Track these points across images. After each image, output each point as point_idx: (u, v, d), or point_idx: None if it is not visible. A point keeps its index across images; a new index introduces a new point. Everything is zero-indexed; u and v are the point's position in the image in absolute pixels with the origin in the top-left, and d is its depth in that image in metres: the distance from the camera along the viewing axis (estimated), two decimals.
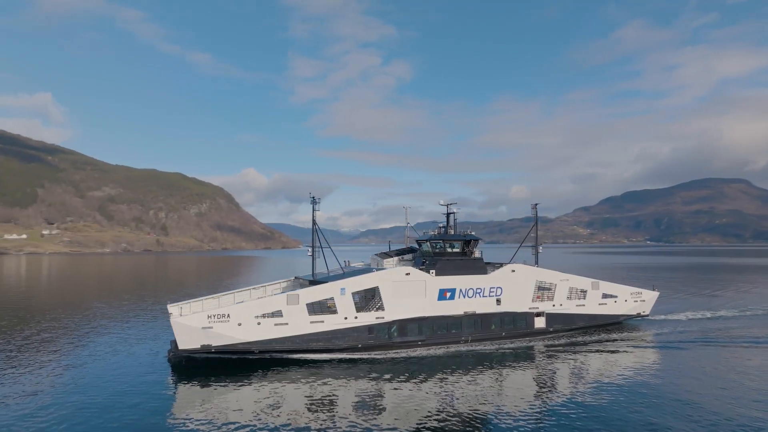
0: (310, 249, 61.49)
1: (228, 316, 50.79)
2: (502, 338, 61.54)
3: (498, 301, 61.75)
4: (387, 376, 46.22)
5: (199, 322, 50.21)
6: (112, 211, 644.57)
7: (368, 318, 55.06)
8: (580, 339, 63.56)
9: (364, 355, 53.47)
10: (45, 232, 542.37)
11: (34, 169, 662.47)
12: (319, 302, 53.56)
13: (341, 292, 54.20)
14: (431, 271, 58.59)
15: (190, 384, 44.78)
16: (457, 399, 40.28)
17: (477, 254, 63.82)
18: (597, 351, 57.59)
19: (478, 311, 60.43)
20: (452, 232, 64.90)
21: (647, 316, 74.76)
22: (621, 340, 63.65)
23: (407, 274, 57.53)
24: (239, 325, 50.88)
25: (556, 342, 61.90)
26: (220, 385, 43.86)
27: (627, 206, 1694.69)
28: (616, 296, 70.88)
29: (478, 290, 60.60)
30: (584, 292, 68.24)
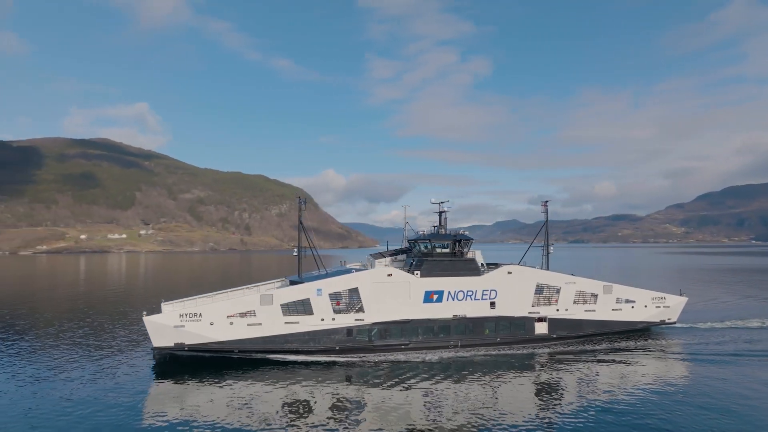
0: (296, 249, 60.55)
1: (200, 315, 50.85)
2: (497, 344, 57.19)
3: (492, 305, 57.54)
4: (365, 381, 44.40)
5: (171, 321, 50.61)
6: (201, 212, 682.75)
7: (347, 320, 53.16)
8: (588, 347, 57.93)
9: (344, 359, 51.43)
10: (142, 232, 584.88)
11: (132, 174, 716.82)
12: (295, 303, 52.32)
13: (317, 293, 52.66)
14: (416, 272, 55.94)
15: (167, 381, 45.35)
16: (438, 409, 37.46)
17: (472, 255, 60.40)
18: (607, 361, 52.29)
19: (469, 315, 56.61)
20: (446, 232, 61.69)
21: (674, 323, 67.63)
22: (637, 349, 57.58)
23: (389, 275, 54.89)
24: (211, 324, 50.73)
25: (560, 349, 56.85)
26: (196, 383, 44.00)
27: (728, 202, 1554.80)
28: (633, 301, 64.48)
29: (470, 293, 56.84)
30: (595, 296, 62.33)
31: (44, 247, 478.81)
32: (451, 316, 55.99)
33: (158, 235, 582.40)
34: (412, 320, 54.56)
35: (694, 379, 45.70)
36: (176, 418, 35.36)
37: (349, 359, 51.26)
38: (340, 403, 38.71)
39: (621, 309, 63.51)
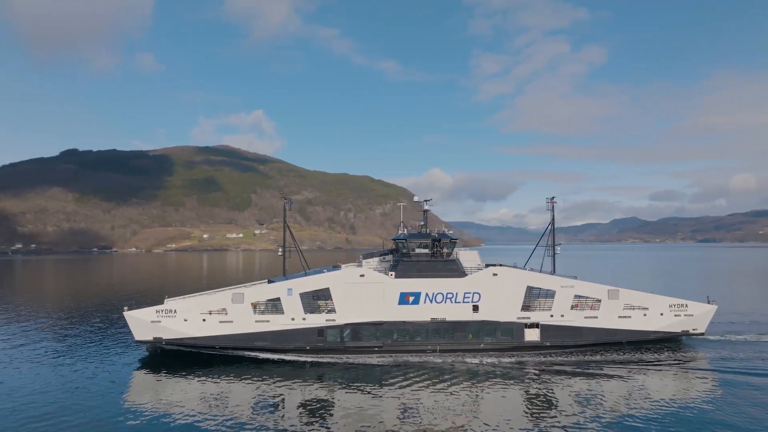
0: (280, 249, 60.50)
1: (175, 311, 52.65)
2: (481, 351, 53.00)
3: (475, 308, 53.74)
4: (334, 383, 43.45)
5: (148, 316, 52.72)
6: (309, 212, 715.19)
7: (318, 320, 52.62)
8: (593, 358, 51.51)
9: (315, 359, 50.75)
10: (256, 231, 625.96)
11: (249, 178, 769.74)
12: (266, 302, 52.72)
13: (288, 292, 52.66)
14: (390, 272, 53.93)
15: (150, 373, 47.15)
16: (407, 415, 35.38)
17: (456, 256, 57.08)
18: (612, 375, 45.61)
19: (449, 318, 53.28)
20: (430, 232, 58.06)
21: (701, 334, 58.32)
22: (651, 362, 50.14)
23: (362, 275, 53.56)
24: (185, 320, 52.47)
25: (556, 359, 51.07)
26: (174, 376, 45.60)
27: None
28: (646, 308, 56.84)
29: (450, 295, 53.47)
30: (597, 301, 55.83)
31: (173, 245, 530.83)
32: (429, 320, 53.26)
33: (270, 235, 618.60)
34: (386, 322, 52.80)
35: (715, 402, 38.47)
36: (148, 408, 36.78)
37: (321, 360, 50.56)
38: (307, 403, 38.27)
39: (630, 317, 56.28)
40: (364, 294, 53.11)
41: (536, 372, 46.72)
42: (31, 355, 53.72)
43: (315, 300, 53.31)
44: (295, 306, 52.87)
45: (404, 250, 56.24)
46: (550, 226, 62.20)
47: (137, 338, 53.69)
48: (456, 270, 54.83)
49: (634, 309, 56.54)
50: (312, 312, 53.07)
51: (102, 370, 47.71)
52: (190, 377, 45.57)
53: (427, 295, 53.59)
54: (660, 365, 49.26)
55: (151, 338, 53.22)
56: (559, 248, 61.37)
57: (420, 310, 53.41)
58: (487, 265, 57.89)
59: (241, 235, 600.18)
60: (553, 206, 62.61)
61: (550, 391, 41.27)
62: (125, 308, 54.94)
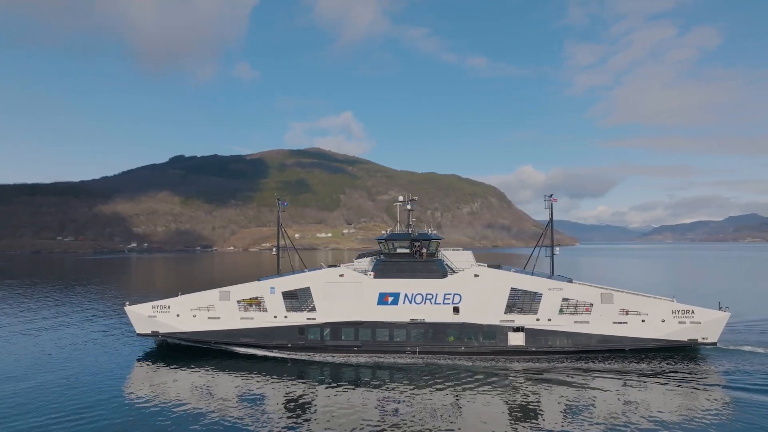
0: (274, 249, 62.05)
1: (168, 307, 56.08)
2: (462, 354, 51.42)
3: (456, 310, 52.16)
4: (313, 381, 44.26)
5: (145, 311, 56.48)
6: (395, 212, 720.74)
7: (299, 318, 53.70)
8: (586, 365, 47.93)
9: (297, 356, 52.09)
10: (345, 231, 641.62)
11: (338, 179, 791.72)
12: (249, 300, 54.51)
13: (270, 291, 54.25)
14: (369, 273, 53.60)
15: (150, 365, 50.37)
16: (383, 414, 35.35)
17: (443, 256, 56.27)
18: (597, 386, 41.71)
19: (428, 320, 52.25)
20: (415, 231, 56.94)
21: (712, 344, 52.36)
22: (645, 373, 45.25)
23: (341, 275, 53.82)
24: (177, 316, 55.72)
25: (543, 365, 47.94)
26: (173, 367, 48.47)
27: None
28: (645, 314, 52.03)
29: (429, 296, 52.39)
30: (589, 305, 51.92)
31: (267, 244, 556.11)
32: (408, 320, 52.37)
33: (358, 234, 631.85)
34: (365, 322, 52.73)
35: (724, 425, 33.44)
36: (141, 396, 39.59)
37: (302, 357, 51.67)
38: (286, 400, 39.06)
39: (626, 322, 51.88)
40: (343, 294, 53.38)
41: (519, 379, 44.07)
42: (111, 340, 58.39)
43: (296, 299, 54.13)
44: (278, 304, 54.18)
45: (386, 250, 55.92)
46: (549, 226, 58.80)
47: (138, 332, 57.37)
48: (436, 270, 53.27)
49: (629, 314, 51.97)
50: (294, 310, 54.05)
51: (108, 361, 51.18)
52: (185, 368, 48.25)
53: (406, 295, 52.71)
54: (661, 377, 44.38)
55: (149, 332, 56.73)
56: (558, 249, 57.74)
57: (399, 311, 52.61)
58: (490, 266, 55.70)
59: (330, 235, 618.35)
60: (552, 204, 59.12)
61: (533, 399, 38.67)
62: (127, 303, 58.46)
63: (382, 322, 52.58)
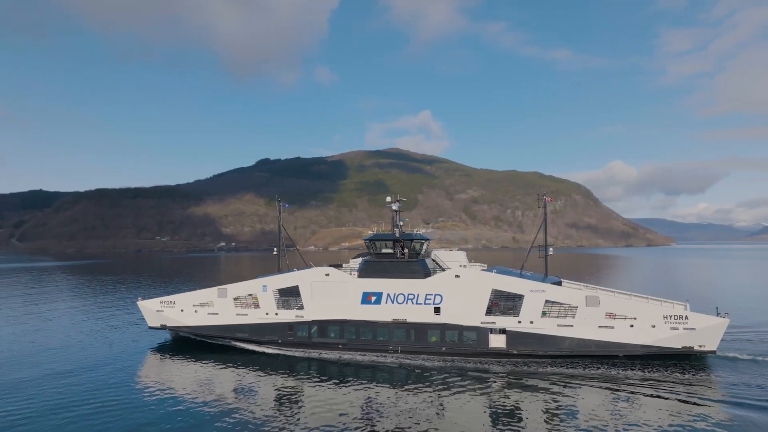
0: (276, 248, 64.73)
1: (174, 302, 60.19)
2: (443, 354, 51.42)
3: (437, 310, 52.01)
4: (302, 376, 46.05)
5: (154, 306, 60.92)
6: (474, 211, 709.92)
7: (288, 315, 55.89)
8: (564, 371, 45.89)
9: (287, 352, 54.37)
10: (422, 230, 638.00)
11: (416, 179, 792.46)
12: (245, 297, 57.43)
13: (263, 289, 56.79)
14: (353, 272, 54.90)
15: (161, 355, 54.53)
16: (367, 412, 36.04)
17: (433, 256, 57.52)
18: (580, 394, 39.69)
19: (410, 320, 52.52)
20: (397, 232, 57.17)
21: (711, 352, 48.89)
22: (634, 382, 42.39)
23: (327, 274, 55.26)
24: (182, 311, 59.74)
25: (522, 369, 46.83)
26: (178, 359, 52.23)
27: None
28: (633, 318, 48.99)
29: (411, 296, 52.59)
30: (573, 308, 49.42)
31: (346, 244, 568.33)
32: (391, 320, 52.91)
33: (435, 234, 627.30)
34: (349, 320, 54.07)
35: None
36: (147, 383, 43.66)
37: (292, 353, 53.91)
38: (275, 393, 40.85)
39: (612, 327, 49.15)
40: (329, 293, 54.77)
41: (499, 383, 42.93)
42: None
43: (286, 297, 56.21)
44: (270, 302, 56.58)
45: (371, 251, 56.73)
46: (542, 226, 57.41)
47: (149, 325, 62.14)
48: (417, 271, 53.18)
49: (617, 318, 49.05)
50: (284, 308, 56.17)
51: (119, 351, 55.41)
52: (191, 359, 52.21)
53: (388, 295, 53.22)
54: (650, 387, 41.16)
55: (159, 325, 61.40)
56: (551, 250, 56.46)
57: (382, 310, 53.22)
58: (492, 268, 55.89)
59: None
60: (545, 203, 57.42)
61: (511, 406, 37.30)
62: (139, 299, 62.90)
63: (366, 321, 53.58)
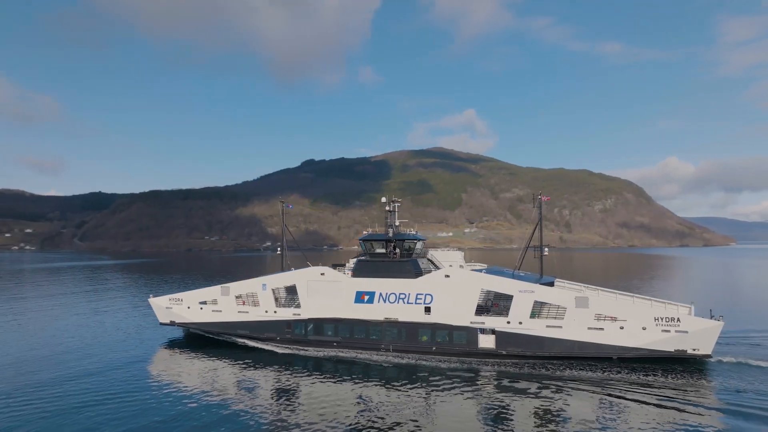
0: (279, 248, 67.17)
1: (181, 300, 62.67)
2: (433, 354, 51.77)
3: (427, 310, 52.37)
4: (299, 372, 47.07)
5: (164, 303, 63.58)
6: (520, 210, 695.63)
7: (286, 313, 57.19)
8: (555, 373, 45.11)
9: (285, 349, 55.44)
10: (466, 230, 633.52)
11: (460, 178, 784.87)
12: (246, 295, 59.42)
13: (263, 287, 58.50)
14: (347, 272, 55.96)
15: (172, 350, 56.99)
16: (360, 410, 36.49)
17: (429, 256, 58.52)
18: (569, 397, 38.80)
19: (401, 319, 53.03)
20: (392, 232, 57.78)
21: (706, 356, 47.33)
22: (626, 386, 41.19)
23: (322, 274, 56.31)
24: (188, 308, 62.16)
25: (511, 370, 46.61)
26: (186, 354, 54.64)
27: None
28: (624, 320, 48.09)
29: (402, 296, 53.15)
30: (562, 309, 48.62)
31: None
32: (383, 319, 53.45)
33: (480, 233, 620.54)
34: (343, 319, 54.86)
35: None
36: (155, 375, 46.54)
37: (290, 351, 54.87)
38: (273, 389, 41.91)
39: (602, 329, 48.23)
40: (325, 292, 55.83)
41: (488, 384, 42.70)
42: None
43: (284, 295, 57.82)
44: (269, 300, 58.24)
45: (365, 250, 57.61)
46: (538, 225, 55.99)
47: (160, 321, 64.72)
48: (409, 271, 53.70)
49: (606, 320, 48.06)
50: (282, 306, 57.67)
51: (134, 346, 58.41)
52: (198, 354, 54.58)
53: (380, 294, 53.84)
54: (641, 391, 39.77)
55: (168, 321, 63.90)
56: (546, 250, 54.92)
57: (374, 309, 53.91)
58: (484, 268, 56.32)
59: (451, 234, 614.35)
60: (541, 203, 56.40)
61: (497, 407, 36.96)
62: (151, 296, 65.76)
63: (359, 320, 54.37)
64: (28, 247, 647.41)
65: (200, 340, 61.27)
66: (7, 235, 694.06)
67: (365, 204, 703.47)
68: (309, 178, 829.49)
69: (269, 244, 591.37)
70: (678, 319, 47.11)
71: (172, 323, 63.63)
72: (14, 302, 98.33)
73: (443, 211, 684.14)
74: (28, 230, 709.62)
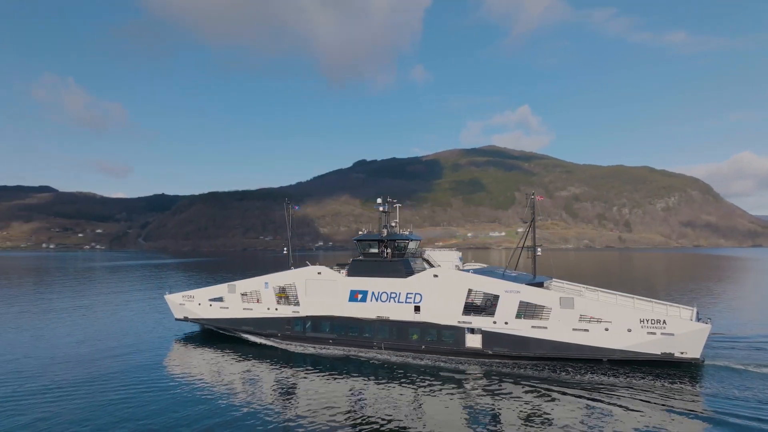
0: (285, 248, 68.72)
1: (193, 297, 65.40)
2: (423, 352, 52.40)
3: (417, 309, 52.99)
4: (297, 368, 48.50)
5: (177, 300, 66.49)
6: (576, 209, 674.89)
7: (286, 311, 59.01)
8: (539, 374, 44.84)
9: (285, 345, 57.39)
10: (519, 229, 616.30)
11: (512, 176, 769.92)
12: (250, 293, 61.52)
13: (265, 286, 60.47)
14: (342, 271, 57.63)
15: (187, 345, 59.69)
16: (353, 406, 37.31)
17: (426, 256, 59.98)
18: (553, 399, 38.02)
19: (392, 318, 53.86)
20: (386, 232, 58.58)
21: (694, 359, 45.21)
22: (611, 389, 39.92)
23: (319, 273, 57.87)
24: (199, 304, 64.82)
25: (497, 370, 46.72)
26: (202, 347, 57.57)
27: None
28: (608, 321, 46.63)
29: (393, 295, 53.95)
30: (547, 310, 48.34)
31: (440, 243, 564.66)
32: (375, 317, 54.45)
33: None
34: (339, 317, 56.22)
35: None
36: (168, 365, 49.79)
37: (289, 347, 56.67)
38: (273, 384, 43.40)
39: (587, 330, 47.32)
40: (321, 290, 57.29)
41: (472, 384, 42.64)
42: None
43: (285, 293, 59.47)
44: (270, 298, 59.94)
45: (360, 250, 58.81)
46: (530, 226, 55.54)
47: (175, 317, 67.64)
48: (400, 270, 54.51)
49: (591, 321, 47.04)
50: (283, 304, 59.39)
51: (149, 340, 61.17)
52: (210, 349, 56.90)
53: (373, 293, 54.80)
54: (630, 396, 38.20)
55: (182, 317, 66.71)
56: (539, 250, 54.54)
57: (367, 308, 54.93)
58: (471, 268, 56.96)
59: (503, 234, 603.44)
60: (534, 203, 55.80)
61: (480, 408, 36.62)
62: (167, 293, 68.85)
63: (353, 318, 55.58)
64: (98, 247, 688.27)
65: (213, 334, 64.55)
66: (80, 235, 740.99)
67: (416, 204, 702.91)
68: (360, 178, 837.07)
69: (321, 243, 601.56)
70: (664, 322, 45.73)
71: (186, 319, 66.79)
72: (81, 299, 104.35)
73: (495, 210, 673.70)
74: (99, 230, 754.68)
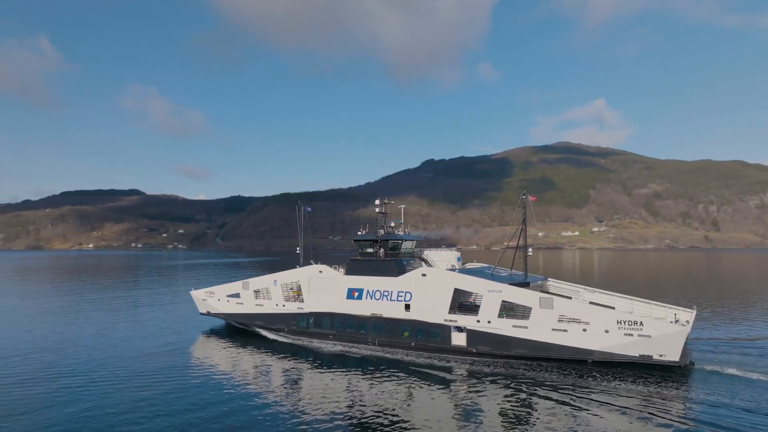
0: (298, 248, 70.84)
1: (213, 293, 69.82)
2: (412, 349, 54.10)
3: (407, 307, 54.87)
4: (301, 362, 50.87)
5: (201, 296, 71.15)
6: (657, 207, 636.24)
7: (293, 307, 62.53)
8: (523, 373, 44.85)
9: (292, 340, 60.70)
10: (594, 229, 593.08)
11: (587, 173, 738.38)
12: (261, 290, 65.63)
13: (274, 283, 64.34)
14: (340, 270, 60.20)
15: (210, 337, 64.07)
16: (349, 400, 38.49)
17: (424, 255, 61.73)
18: (537, 396, 38.38)
19: (385, 315, 56.12)
20: (382, 233, 61.50)
21: (674, 363, 43.95)
22: (592, 391, 39.55)
23: (320, 271, 60.89)
24: (218, 300, 69.31)
25: (482, 368, 46.90)
26: (219, 341, 61.50)
27: None
28: (586, 322, 45.88)
29: (386, 293, 56.40)
30: (528, 309, 47.80)
31: (506, 244, 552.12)
32: (370, 314, 56.83)
33: (610, 232, 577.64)
34: (337, 314, 58.99)
35: None
36: (189, 356, 53.34)
37: (295, 342, 59.89)
38: (280, 376, 45.74)
39: (566, 330, 47.10)
40: (322, 288, 60.41)
41: (457, 382, 43.61)
42: None
43: (291, 290, 63.44)
44: (279, 294, 63.67)
45: (357, 250, 61.63)
46: (521, 226, 55.89)
47: (199, 311, 71.97)
48: (392, 269, 56.82)
49: (570, 322, 46.93)
50: (289, 300, 62.92)
51: (174, 332, 65.93)
52: (229, 342, 61.02)
53: (368, 291, 57.30)
54: (608, 401, 37.30)
55: (206, 312, 70.95)
56: (530, 250, 55.55)
57: (362, 305, 57.44)
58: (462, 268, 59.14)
59: (577, 233, 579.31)
60: (526, 203, 55.70)
61: (462, 405, 37.24)
62: (192, 289, 73.23)
63: (350, 315, 58.26)
64: (180, 246, 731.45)
65: (233, 328, 69.33)
66: (164, 235, 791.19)
67: (484, 203, 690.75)
68: (428, 177, 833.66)
69: None
70: (641, 323, 44.85)
71: (208, 313, 71.30)
72: (160, 296, 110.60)
73: (569, 209, 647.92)
74: (180, 231, 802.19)
